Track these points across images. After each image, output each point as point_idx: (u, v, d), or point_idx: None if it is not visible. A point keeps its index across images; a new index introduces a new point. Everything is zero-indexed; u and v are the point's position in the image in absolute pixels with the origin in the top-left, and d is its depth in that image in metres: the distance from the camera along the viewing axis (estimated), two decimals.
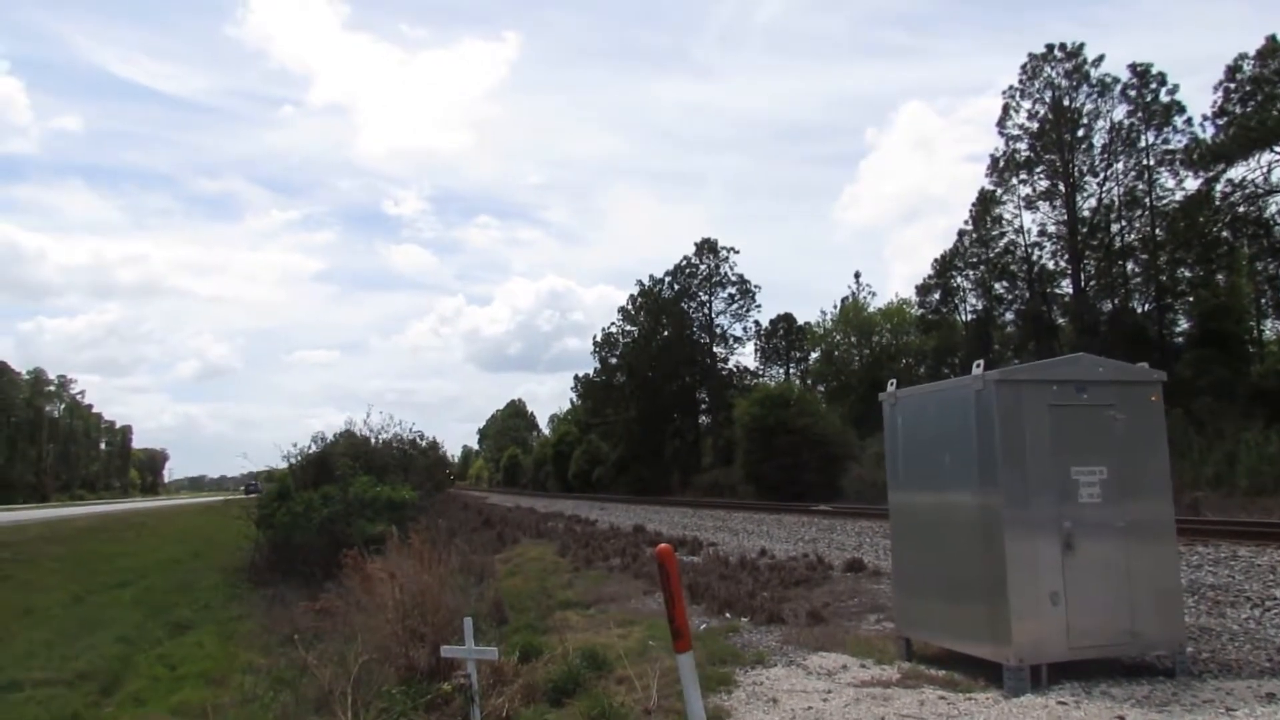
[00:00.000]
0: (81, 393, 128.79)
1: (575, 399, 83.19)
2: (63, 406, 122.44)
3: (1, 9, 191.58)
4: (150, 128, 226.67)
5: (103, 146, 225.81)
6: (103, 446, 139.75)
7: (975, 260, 45.15)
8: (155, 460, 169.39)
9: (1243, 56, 34.16)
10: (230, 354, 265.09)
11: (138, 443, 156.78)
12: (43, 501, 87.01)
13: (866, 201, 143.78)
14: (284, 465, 25.74)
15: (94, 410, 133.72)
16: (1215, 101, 35.12)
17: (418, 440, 31.79)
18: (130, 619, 17.57)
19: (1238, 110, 34.20)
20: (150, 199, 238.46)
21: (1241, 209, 34.95)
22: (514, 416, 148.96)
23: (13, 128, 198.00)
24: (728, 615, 9.33)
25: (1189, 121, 37.05)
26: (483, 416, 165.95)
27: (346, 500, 20.26)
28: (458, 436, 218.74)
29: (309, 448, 26.29)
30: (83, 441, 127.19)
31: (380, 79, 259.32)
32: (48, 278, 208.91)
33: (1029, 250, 42.47)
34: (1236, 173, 34.59)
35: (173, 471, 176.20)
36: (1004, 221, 43.30)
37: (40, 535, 28.76)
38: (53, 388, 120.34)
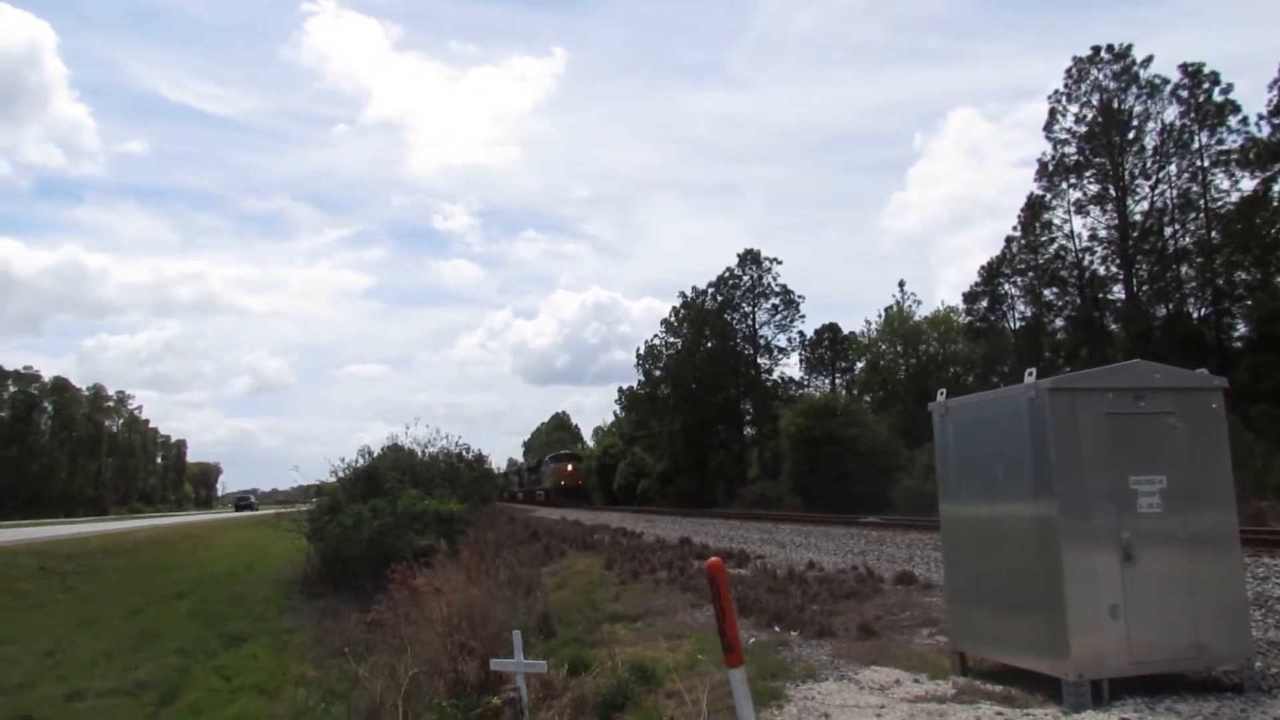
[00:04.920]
0: (139, 408, 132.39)
1: (619, 411, 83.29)
2: (121, 421, 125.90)
3: (71, 38, 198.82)
4: (205, 148, 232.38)
5: (158, 168, 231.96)
6: (159, 461, 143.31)
7: (1024, 266, 44.43)
8: (209, 474, 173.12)
9: None
10: (284, 369, 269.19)
11: (192, 456, 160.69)
12: (102, 514, 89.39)
13: (914, 209, 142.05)
14: (333, 479, 26.11)
15: (151, 425, 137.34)
16: (1271, 100, 34.39)
17: (464, 453, 32.07)
18: (187, 630, 17.94)
19: None
20: (204, 219, 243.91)
21: None
22: (558, 429, 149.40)
23: (83, 152, 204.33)
24: (777, 629, 9.24)
25: (1244, 121, 36.29)
26: (529, 429, 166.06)
27: (395, 513, 20.47)
28: (504, 449, 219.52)
29: (356, 462, 26.66)
30: (140, 456, 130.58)
31: (430, 97, 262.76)
32: (110, 296, 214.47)
33: (1079, 255, 41.74)
34: None
35: (225, 485, 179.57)
36: (1054, 227, 42.62)
37: (100, 548, 29.53)
38: (112, 403, 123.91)
